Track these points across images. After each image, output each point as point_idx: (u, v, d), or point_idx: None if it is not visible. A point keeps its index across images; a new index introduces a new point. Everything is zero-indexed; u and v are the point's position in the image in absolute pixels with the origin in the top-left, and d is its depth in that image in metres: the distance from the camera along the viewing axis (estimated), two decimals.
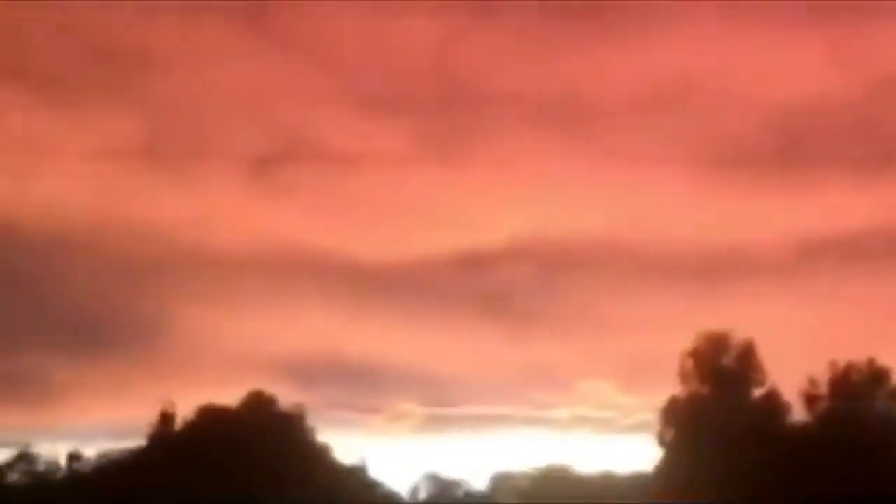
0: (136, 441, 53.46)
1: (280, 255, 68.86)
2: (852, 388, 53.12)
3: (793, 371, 55.29)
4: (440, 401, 66.40)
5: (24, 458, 54.07)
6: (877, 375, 52.89)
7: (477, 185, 72.11)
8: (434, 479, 56.00)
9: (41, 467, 54.09)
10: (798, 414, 53.84)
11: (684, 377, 54.10)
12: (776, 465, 50.46)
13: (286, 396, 55.36)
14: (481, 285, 73.09)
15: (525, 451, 60.10)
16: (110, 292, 67.66)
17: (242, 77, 71.60)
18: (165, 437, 52.55)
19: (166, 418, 52.86)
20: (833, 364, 53.44)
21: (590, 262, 73.15)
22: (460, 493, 55.83)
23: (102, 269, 67.84)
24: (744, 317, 60.87)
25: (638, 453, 56.01)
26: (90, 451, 54.22)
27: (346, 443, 56.80)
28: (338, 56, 73.51)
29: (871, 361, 52.89)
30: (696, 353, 54.19)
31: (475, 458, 59.46)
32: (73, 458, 54.12)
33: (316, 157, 69.66)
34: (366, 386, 66.59)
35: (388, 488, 55.74)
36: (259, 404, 53.33)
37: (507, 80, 74.96)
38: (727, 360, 54.07)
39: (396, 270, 70.57)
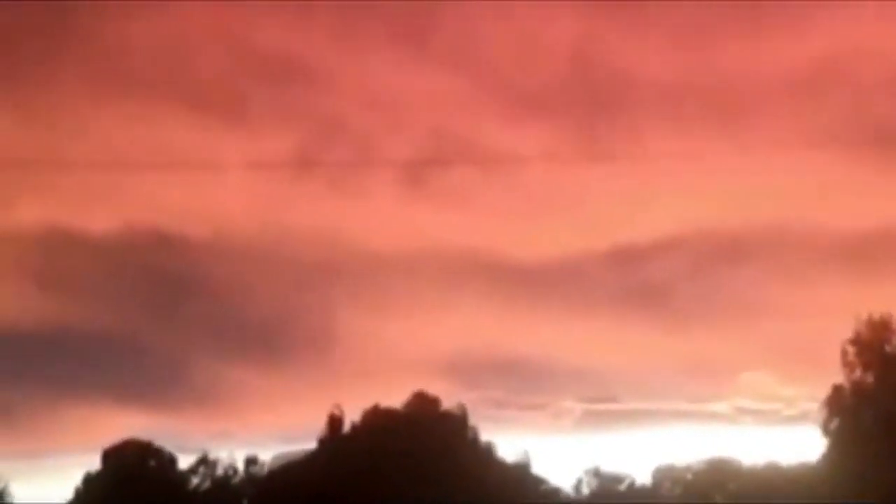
0: (308, 445, 55.42)
1: (438, 258, 70.17)
2: None
3: None
4: (600, 396, 66.88)
5: (205, 462, 56.37)
6: None
7: (629, 179, 72.06)
8: (597, 475, 56.28)
9: (220, 472, 56.32)
10: None
11: (847, 365, 53.34)
12: None
13: (449, 396, 56.63)
14: (637, 280, 73.32)
15: (687, 444, 60.10)
16: (277, 300, 70.08)
17: (397, 85, 73.21)
18: (335, 440, 54.23)
19: (335, 422, 54.56)
20: None
21: (746, 251, 72.64)
22: (623, 487, 56.07)
23: (268, 277, 70.28)
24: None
25: (802, 444, 55.53)
26: (265, 456, 56.34)
27: (509, 441, 57.72)
28: (487, 59, 74.52)
29: None
30: (858, 340, 53.35)
31: (637, 452, 59.70)
32: (250, 462, 56.19)
33: (470, 159, 70.69)
34: (526, 384, 67.58)
35: (552, 485, 56.32)
36: (423, 405, 54.59)
37: (655, 72, 74.79)
38: (890, 347, 53.23)
39: (553, 268, 71.20)
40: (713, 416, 65.01)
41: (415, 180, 71.56)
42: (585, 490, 55.95)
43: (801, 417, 58.06)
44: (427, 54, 73.77)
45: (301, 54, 72.47)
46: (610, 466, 56.86)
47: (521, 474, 55.26)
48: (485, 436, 56.31)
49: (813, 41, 73.43)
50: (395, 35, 73.28)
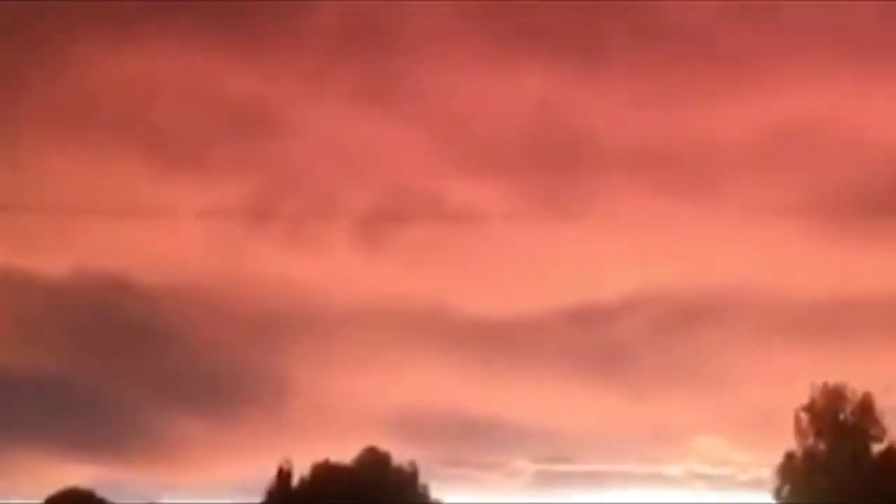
0: (256, 498, 54.65)
1: (395, 313, 69.62)
2: None
3: None
4: (555, 457, 66.39)
5: None
6: None
7: (591, 240, 72.17)
8: None
9: None
10: None
11: (801, 432, 53.75)
12: None
13: (401, 453, 56.15)
14: (596, 341, 73.03)
15: None
16: (229, 351, 69.29)
17: (359, 138, 73.13)
18: (283, 494, 53.60)
19: (284, 476, 53.94)
20: None
21: (706, 317, 72.62)
22: None
23: (221, 327, 69.55)
24: (862, 371, 59.90)
25: None
26: None
27: (461, 500, 57.25)
28: (451, 115, 74.61)
29: None
30: (812, 409, 53.80)
31: None
32: None
33: (431, 215, 70.58)
34: (480, 442, 66.93)
35: None
36: (373, 462, 54.09)
37: (619, 134, 75.12)
38: (844, 416, 53.55)
39: (510, 327, 70.92)
40: (667, 480, 64.77)
41: (374, 235, 71.31)
42: None
43: (754, 484, 58.00)
44: (390, 108, 73.82)
45: (262, 104, 72.33)
46: None
47: None
48: (436, 494, 55.95)
49: (778, 109, 74.13)
50: (358, 87, 73.35)
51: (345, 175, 72.55)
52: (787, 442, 54.60)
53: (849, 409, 53.55)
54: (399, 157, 73.73)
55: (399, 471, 54.45)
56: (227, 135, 71.84)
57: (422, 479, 55.52)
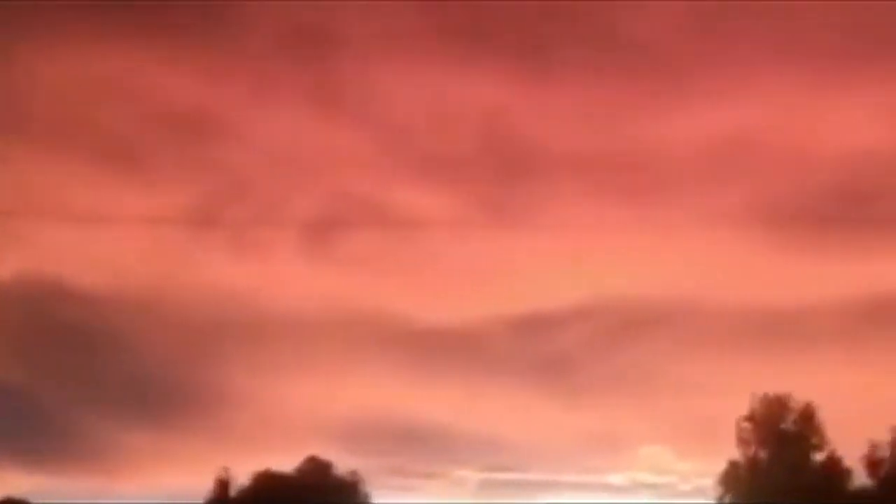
0: None
1: (340, 321, 69.14)
2: None
3: (854, 436, 54.70)
4: (499, 466, 66.19)
5: None
6: None
7: (538, 249, 72.04)
8: None
9: None
10: (859, 479, 53.34)
11: (743, 441, 53.95)
12: None
13: (343, 462, 55.77)
14: (541, 350, 72.97)
15: None
16: (169, 358, 68.52)
17: (304, 144, 72.59)
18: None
19: (222, 485, 53.36)
20: (895, 428, 53.00)
21: (651, 326, 72.70)
22: None
23: (163, 334, 68.80)
24: (805, 380, 60.18)
25: None
26: None
27: None
28: (397, 122, 74.25)
29: None
30: (754, 418, 54.02)
31: None
32: None
33: (375, 223, 70.18)
34: (424, 451, 66.54)
35: None
36: (315, 471, 53.64)
37: (567, 142, 75.12)
38: (786, 425, 53.80)
39: (455, 335, 70.67)
40: (611, 489, 64.76)
41: (319, 242, 70.78)
42: None
43: (697, 492, 58.07)
44: (337, 114, 73.30)
45: (206, 109, 71.60)
46: None
47: None
48: (379, 503, 55.66)
49: (725, 119, 74.35)
50: (305, 93, 72.74)
51: (290, 181, 72.01)
52: (730, 451, 54.78)
53: (790, 418, 53.73)
54: (345, 163, 73.26)
55: (340, 479, 54.05)
56: (171, 140, 71.10)
57: (364, 487, 55.22)
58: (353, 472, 54.76)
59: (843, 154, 76.00)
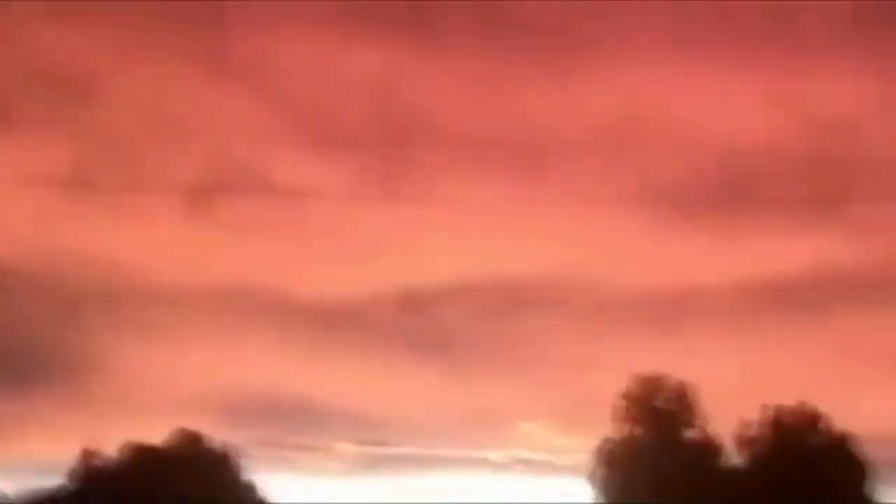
0: (59, 479, 52.81)
1: (218, 291, 68.12)
2: (784, 432, 53.46)
3: (729, 415, 55.46)
4: (377, 441, 65.83)
5: None
6: (808, 419, 53.25)
7: (423, 224, 71.73)
8: None
9: None
10: (732, 457, 54.07)
11: (618, 419, 54.41)
12: None
13: (218, 434, 54.91)
14: (424, 325, 72.68)
15: (461, 492, 59.68)
16: (38, 325, 66.79)
17: (186, 107, 70.99)
18: (88, 475, 51.87)
19: (88, 456, 52.21)
20: (766, 408, 53.87)
21: (533, 303, 72.91)
22: None
23: (31, 301, 67.00)
24: (683, 360, 60.84)
25: (573, 495, 55.84)
26: (11, 489, 53.46)
27: (279, 482, 56.32)
28: (284, 92, 73.13)
29: (802, 405, 53.30)
30: (630, 396, 54.51)
31: (410, 498, 58.87)
32: None
33: (260, 191, 69.08)
34: (301, 425, 65.88)
35: None
36: (185, 443, 52.76)
37: (456, 117, 74.87)
38: (661, 403, 54.37)
39: (338, 308, 70.08)
40: (488, 465, 64.83)
41: (198, 209, 69.39)
42: None
43: (574, 469, 58.34)
44: (223, 79, 71.93)
45: (82, 68, 69.67)
46: None
47: None
48: (254, 476, 54.90)
49: (614, 99, 74.70)
50: (187, 54, 71.15)
51: (171, 145, 70.43)
52: (608, 428, 55.15)
53: (664, 396, 54.29)
54: (231, 129, 71.99)
55: (212, 452, 53.19)
56: (45, 99, 68.99)
57: (238, 460, 54.41)
58: (226, 445, 53.93)
59: (728, 138, 76.92)
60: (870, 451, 51.85)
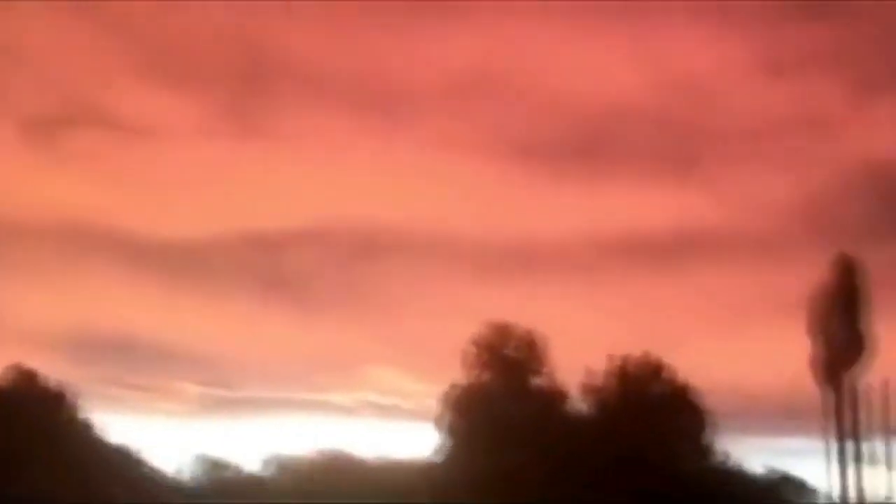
0: None
1: (58, 226, 66.00)
2: (628, 381, 54.13)
3: (576, 364, 55.92)
4: (220, 382, 64.78)
5: None
6: (652, 369, 54.00)
7: (274, 163, 70.51)
8: (203, 460, 54.41)
9: None
10: (578, 405, 54.56)
11: (467, 365, 54.39)
12: (555, 452, 50.97)
13: (57, 372, 53.24)
14: (272, 267, 71.67)
15: (306, 435, 59.11)
16: None
17: (28, 35, 68.16)
18: None
19: None
20: (612, 358, 54.43)
21: (385, 247, 72.47)
22: (230, 474, 54.30)
23: None
24: (534, 308, 61.21)
25: (421, 439, 55.81)
26: None
27: (118, 422, 54.94)
28: (134, 26, 70.71)
29: (647, 356, 54.01)
30: (479, 342, 54.50)
31: (253, 441, 58.10)
32: None
33: (105, 125, 66.96)
34: (142, 365, 64.38)
35: (154, 467, 53.89)
36: (20, 380, 51.03)
37: (311, 57, 73.57)
38: (509, 350, 54.49)
39: (186, 247, 68.54)
40: (335, 408, 64.45)
41: (41, 141, 67.00)
42: (188, 474, 53.99)
43: (422, 414, 58.25)
44: (68, 9, 69.24)
45: None
46: (222, 453, 55.19)
47: (123, 456, 52.63)
48: (92, 415, 53.54)
49: (473, 49, 74.33)
50: None
51: (9, 73, 67.70)
52: (457, 375, 55.08)
53: (513, 344, 54.42)
54: (76, 61, 69.52)
55: (47, 390, 51.47)
56: None
57: (76, 399, 52.84)
58: (62, 383, 52.24)
59: (588, 94, 77.41)
60: (710, 401, 52.83)
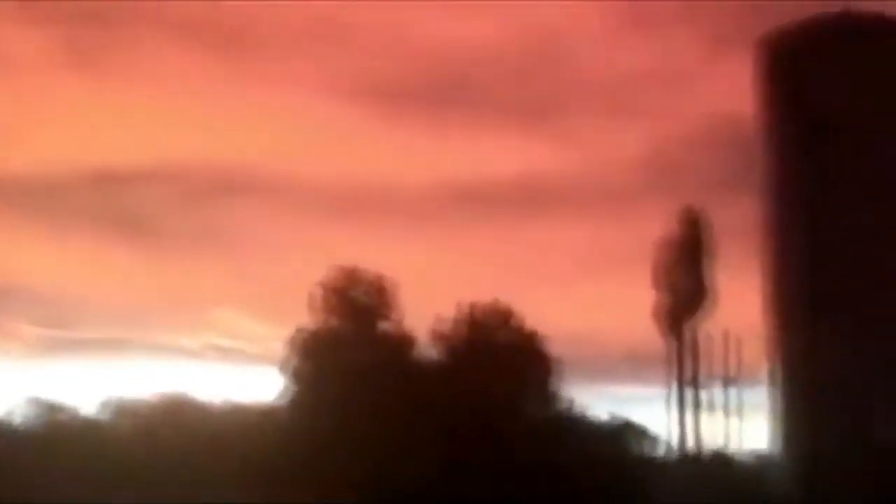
0: None
1: None
2: (477, 328, 54.18)
3: (426, 310, 55.83)
4: (59, 323, 62.93)
5: None
6: (500, 317, 54.13)
7: (124, 102, 68.58)
8: (37, 403, 52.62)
9: None
10: (427, 350, 54.46)
11: (314, 309, 53.70)
12: (403, 398, 50.77)
13: None
14: (119, 205, 69.84)
15: (149, 378, 57.85)
16: None
17: None
18: None
19: None
20: (461, 305, 54.43)
21: (234, 189, 71.31)
22: (64, 417, 52.64)
23: None
24: (383, 254, 60.92)
25: (267, 383, 55.09)
26: None
27: None
28: None
29: (495, 303, 54.13)
30: (326, 286, 53.85)
31: (92, 384, 56.60)
32: None
33: None
34: None
35: None
36: None
37: None
38: (358, 294, 53.96)
39: (29, 183, 66.30)
40: (178, 351, 63.27)
41: None
42: (19, 417, 52.23)
43: (269, 357, 57.56)
44: None
45: None
46: (58, 396, 53.48)
47: None
48: None
49: None
50: None
51: None
52: (303, 318, 54.41)
53: (362, 288, 53.92)
54: None
55: None
56: None
57: None
58: None
59: (445, 40, 77.04)
60: (557, 349, 53.31)
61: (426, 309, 55.65)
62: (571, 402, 54.08)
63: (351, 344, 53.10)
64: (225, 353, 63.16)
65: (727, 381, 56.16)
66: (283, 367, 53.09)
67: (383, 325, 53.96)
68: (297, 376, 53.44)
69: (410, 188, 73.87)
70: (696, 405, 55.95)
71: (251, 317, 64.03)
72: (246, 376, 59.62)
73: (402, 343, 54.29)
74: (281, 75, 72.39)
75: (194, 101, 68.58)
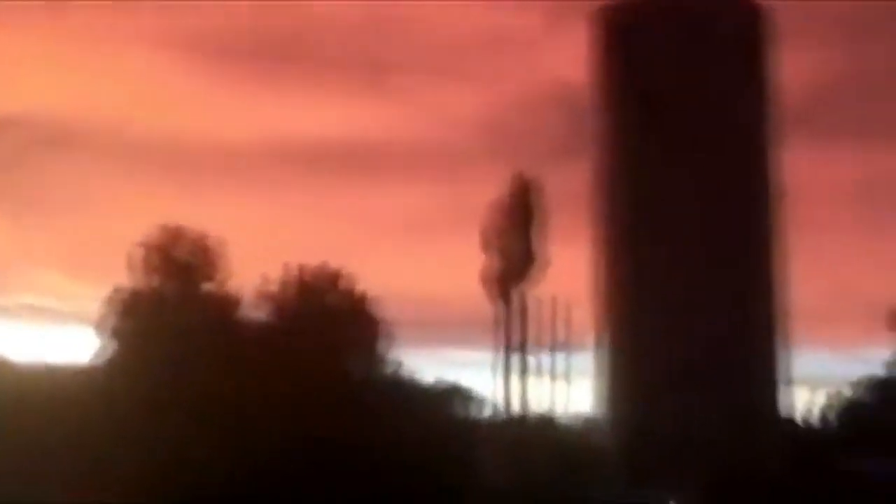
0: None
1: None
2: (305, 290, 53.25)
3: (252, 271, 54.56)
4: None
5: None
6: (329, 278, 53.29)
7: None
8: None
9: None
10: (252, 311, 53.23)
11: (133, 268, 51.91)
12: (226, 359, 49.50)
13: None
14: None
15: None
16: None
17: None
18: None
19: None
20: (288, 266, 53.36)
21: (51, 142, 68.54)
22: None
23: None
24: (208, 212, 59.32)
25: (83, 344, 53.07)
26: None
27: None
28: None
29: (324, 265, 53.24)
30: (147, 245, 52.12)
31: None
32: None
33: None
34: None
35: None
36: None
37: None
38: (179, 253, 52.37)
39: None
40: None
41: None
42: None
43: (83, 317, 55.52)
44: None
45: None
46: None
47: None
48: None
49: None
50: None
51: None
52: (122, 277, 52.56)
53: (185, 248, 52.35)
54: None
55: None
56: None
57: None
58: None
59: None
60: (386, 311, 52.73)
61: (254, 270, 54.42)
62: (399, 364, 53.63)
63: (173, 304, 51.50)
64: (42, 314, 60.77)
65: (554, 346, 56.55)
66: (99, 327, 51.18)
67: (207, 285, 52.47)
68: (116, 336, 51.60)
69: (240, 146, 72.30)
70: (524, 369, 56.18)
71: (70, 276, 61.74)
72: (63, 336, 57.45)
73: (226, 304, 52.88)
74: (111, 30, 69.93)
75: (20, 55, 65.57)
